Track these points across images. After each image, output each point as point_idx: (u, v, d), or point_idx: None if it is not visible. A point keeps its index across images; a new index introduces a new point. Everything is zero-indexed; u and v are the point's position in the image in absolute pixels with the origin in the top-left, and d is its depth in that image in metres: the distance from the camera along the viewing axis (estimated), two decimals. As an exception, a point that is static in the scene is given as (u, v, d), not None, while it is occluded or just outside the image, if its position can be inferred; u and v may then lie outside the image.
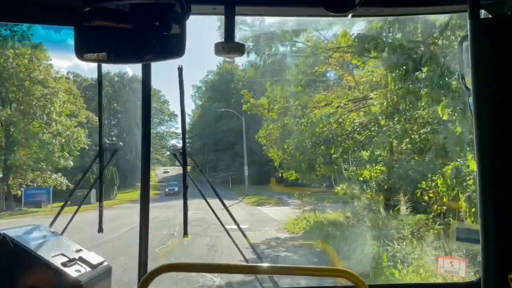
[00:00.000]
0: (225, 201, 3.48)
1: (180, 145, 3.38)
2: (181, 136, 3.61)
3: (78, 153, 30.37)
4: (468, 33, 2.13)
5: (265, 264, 2.66)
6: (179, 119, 3.65)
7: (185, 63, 2.08)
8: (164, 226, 18.51)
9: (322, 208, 21.89)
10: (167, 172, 44.06)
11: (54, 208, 27.38)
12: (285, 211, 27.09)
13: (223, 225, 3.21)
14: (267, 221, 22.65)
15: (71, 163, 29.84)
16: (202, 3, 2.32)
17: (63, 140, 29.44)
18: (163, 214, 23.94)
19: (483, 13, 2.21)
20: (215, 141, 43.36)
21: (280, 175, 23.72)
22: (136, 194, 34.33)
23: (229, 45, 2.18)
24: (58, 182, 28.66)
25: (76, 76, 39.15)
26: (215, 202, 3.42)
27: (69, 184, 28.36)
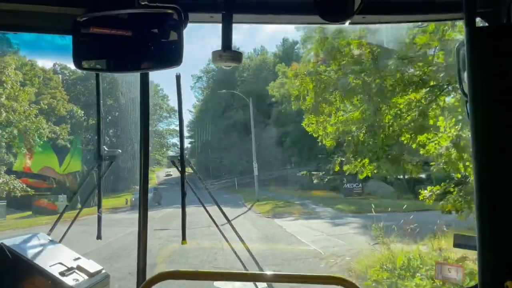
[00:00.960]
0: (229, 210, 3.41)
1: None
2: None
3: (40, 149, 24.26)
4: (465, 40, 2.15)
5: (264, 272, 2.66)
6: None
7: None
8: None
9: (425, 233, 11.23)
10: (170, 174, 39.30)
11: (15, 220, 21.70)
12: (322, 229, 16.98)
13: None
14: (305, 259, 11.83)
15: (29, 162, 23.53)
16: (199, 11, 2.34)
17: (16, 132, 22.08)
18: (123, 240, 14.71)
19: (479, 21, 2.23)
20: (218, 138, 38.55)
21: (337, 167, 14.32)
22: (122, 200, 29.17)
23: (226, 54, 2.19)
24: (11, 186, 21.41)
25: (63, 68, 34.87)
26: (214, 210, 3.38)
27: (28, 189, 22.11)
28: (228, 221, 3.42)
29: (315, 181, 30.74)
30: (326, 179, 29.40)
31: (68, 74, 36.55)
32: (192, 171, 3.88)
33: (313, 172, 32.01)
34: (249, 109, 32.84)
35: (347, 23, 2.44)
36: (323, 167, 30.05)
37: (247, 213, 24.19)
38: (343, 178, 26.76)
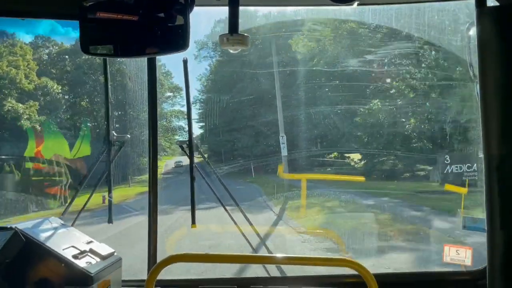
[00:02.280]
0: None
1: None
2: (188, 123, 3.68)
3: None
4: (475, 21, 2.12)
5: (274, 255, 2.70)
6: (184, 93, 3.65)
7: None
8: None
9: None
10: (180, 165, 31.86)
11: None
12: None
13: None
14: None
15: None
16: None
17: None
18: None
19: (489, 1, 2.19)
20: (230, 117, 31.20)
21: None
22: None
23: (233, 37, 2.17)
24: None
25: (46, 41, 28.98)
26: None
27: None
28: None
29: (352, 164, 23.48)
30: (364, 162, 21.88)
31: (51, 46, 31.66)
32: (201, 157, 3.92)
33: (345, 154, 24.46)
34: (265, 79, 26.29)
35: (355, 4, 2.41)
36: (357, 147, 23.08)
37: (279, 224, 13.64)
38: (445, 156, 16.70)
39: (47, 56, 27.59)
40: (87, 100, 27.40)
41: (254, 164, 25.45)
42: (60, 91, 25.23)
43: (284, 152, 18.94)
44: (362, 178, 19.01)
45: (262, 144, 27.78)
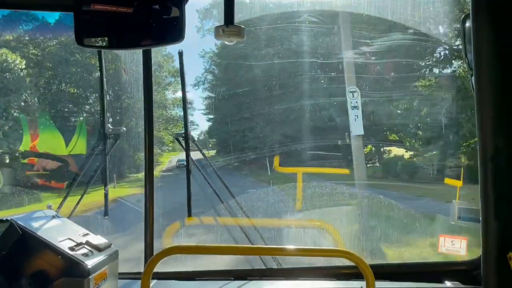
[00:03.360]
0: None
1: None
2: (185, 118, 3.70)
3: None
4: (470, 11, 2.12)
5: (271, 246, 2.71)
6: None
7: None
8: None
9: None
10: (184, 163, 26.96)
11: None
12: None
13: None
14: None
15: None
16: None
17: None
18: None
19: None
20: (240, 102, 25.97)
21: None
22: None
23: (229, 29, 2.17)
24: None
25: (23, 15, 22.68)
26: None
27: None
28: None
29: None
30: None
31: (32, 22, 26.86)
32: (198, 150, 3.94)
33: (388, 148, 19.54)
34: (286, 48, 19.93)
35: None
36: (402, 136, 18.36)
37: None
38: None
39: (22, 31, 22.66)
40: (73, 85, 23.97)
41: (269, 158, 19.39)
42: (24, 66, 20.20)
43: (358, 128, 9.62)
44: (346, 171, 15.55)
45: (278, 135, 21.79)
